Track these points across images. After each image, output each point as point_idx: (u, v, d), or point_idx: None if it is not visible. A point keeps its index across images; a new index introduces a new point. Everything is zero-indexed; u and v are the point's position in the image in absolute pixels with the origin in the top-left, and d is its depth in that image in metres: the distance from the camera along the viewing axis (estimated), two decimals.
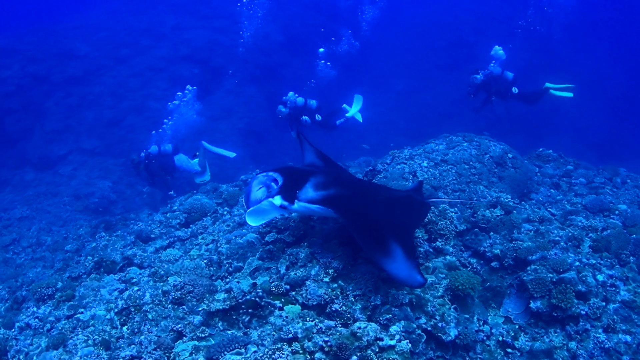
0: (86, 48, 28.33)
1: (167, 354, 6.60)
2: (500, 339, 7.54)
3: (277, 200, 7.26)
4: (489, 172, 11.22)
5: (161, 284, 8.18)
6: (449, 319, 6.94)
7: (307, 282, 7.20)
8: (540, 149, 13.71)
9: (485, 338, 7.47)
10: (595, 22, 33.05)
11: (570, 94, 16.72)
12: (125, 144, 23.66)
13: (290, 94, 16.96)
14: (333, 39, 27.06)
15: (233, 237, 9.05)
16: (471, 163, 11.31)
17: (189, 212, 10.87)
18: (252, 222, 7.30)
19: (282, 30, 30.31)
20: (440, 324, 6.83)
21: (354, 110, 18.27)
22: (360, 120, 18.48)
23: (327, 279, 7.25)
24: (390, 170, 11.33)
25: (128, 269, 9.15)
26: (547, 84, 16.65)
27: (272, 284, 7.26)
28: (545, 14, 30.11)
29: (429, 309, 7.03)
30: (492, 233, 9.22)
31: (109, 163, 22.57)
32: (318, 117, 17.07)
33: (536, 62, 28.23)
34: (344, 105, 18.44)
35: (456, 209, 9.72)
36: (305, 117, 16.91)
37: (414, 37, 32.92)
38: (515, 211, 9.62)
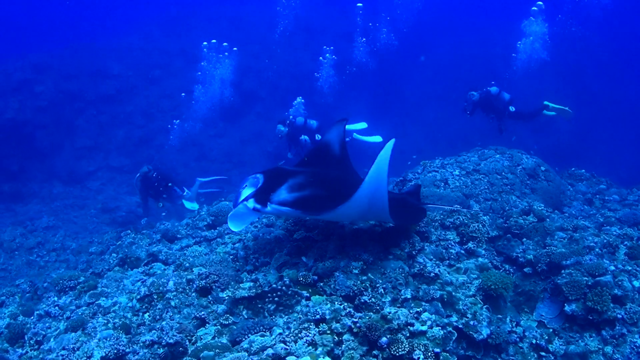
0: (119, 68, 28.56)
1: (188, 337, 6.48)
2: (534, 341, 7.29)
3: (251, 203, 7.17)
4: (522, 184, 11.06)
5: (185, 272, 8.04)
6: (481, 318, 6.74)
7: (336, 273, 7.05)
8: (573, 169, 13.59)
9: (518, 340, 7.22)
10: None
11: (568, 113, 16.52)
12: (165, 170, 23.73)
13: (293, 109, 16.73)
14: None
15: (260, 234, 8.91)
16: (503, 173, 11.16)
17: (216, 215, 10.73)
18: (233, 227, 7.34)
19: (314, 57, 30.34)
20: (472, 322, 6.62)
21: (362, 136, 17.86)
22: (379, 140, 17.94)
23: (356, 271, 7.10)
24: (421, 177, 11.22)
25: (153, 264, 9.01)
26: (546, 102, 16.51)
27: (300, 274, 7.10)
28: (579, 50, 30.11)
29: (460, 307, 6.85)
30: (524, 239, 9.04)
31: None
32: (318, 136, 16.41)
33: (568, 93, 27.97)
34: (348, 126, 17.98)
35: (487, 216, 9.54)
36: (304, 137, 16.46)
37: (446, 68, 32.81)
38: (548, 219, 9.43)
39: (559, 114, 16.56)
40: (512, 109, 16.50)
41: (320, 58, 26.33)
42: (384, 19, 30.71)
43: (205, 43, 24.79)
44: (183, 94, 25.70)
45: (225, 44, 25.39)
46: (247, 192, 7.37)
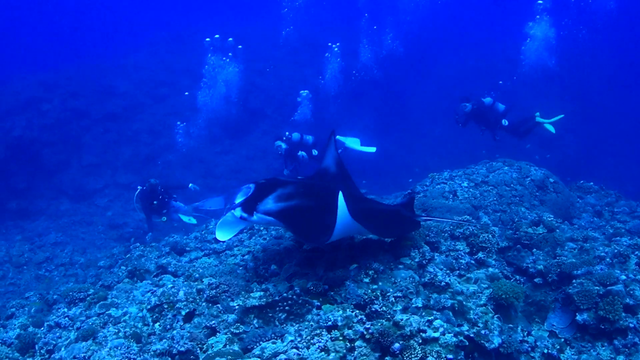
0: (126, 86, 28.61)
1: (199, 346, 6.47)
2: (546, 351, 7.23)
3: (237, 212, 7.20)
4: (531, 195, 11.05)
5: (195, 283, 8.04)
6: (492, 327, 6.70)
7: (347, 282, 7.03)
8: (581, 181, 13.53)
9: (529, 349, 7.16)
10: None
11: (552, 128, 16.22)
12: (162, 180, 23.73)
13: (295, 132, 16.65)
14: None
15: (270, 245, 8.90)
16: (512, 185, 11.16)
17: None
18: (220, 236, 7.40)
19: (319, 74, 30.40)
20: (483, 332, 6.58)
21: (351, 143, 17.73)
22: (373, 150, 17.82)
23: (367, 280, 7.09)
24: (430, 189, 11.22)
25: (162, 276, 9.00)
26: (538, 118, 16.13)
27: (310, 283, 7.09)
28: (588, 65, 30.10)
29: (472, 316, 6.82)
30: (535, 250, 9.02)
31: None
32: (315, 152, 16.52)
33: (576, 109, 27.98)
34: (338, 136, 17.81)
35: (497, 227, 9.53)
36: (301, 153, 16.41)
37: (451, 81, 32.84)
38: (558, 230, 9.42)
39: (553, 123, 16.21)
40: (504, 122, 15.96)
41: (320, 78, 26.44)
42: (387, 33, 30.91)
43: (207, 39, 24.85)
44: (187, 93, 25.75)
45: (230, 39, 25.48)
46: (238, 201, 7.42)
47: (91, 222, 20.21)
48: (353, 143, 17.38)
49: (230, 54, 25.47)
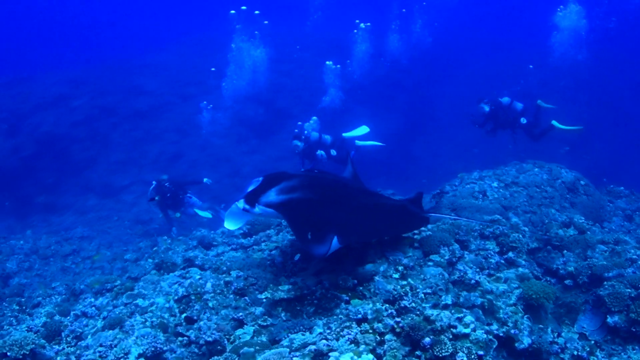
0: (154, 84, 28.77)
1: (227, 337, 6.46)
2: (576, 353, 7.13)
3: (240, 203, 7.27)
4: (561, 197, 10.96)
5: (223, 275, 8.01)
6: (522, 327, 6.63)
7: (376, 278, 6.97)
8: (611, 186, 13.37)
9: (559, 351, 7.07)
10: None
11: (579, 131, 15.89)
12: (176, 176, 23.77)
13: (309, 123, 16.46)
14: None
15: (297, 240, 8.85)
16: (542, 187, 11.06)
17: (253, 224, 10.68)
18: (228, 225, 7.60)
19: (346, 77, 30.39)
20: (513, 331, 6.51)
21: (354, 133, 17.43)
22: (380, 143, 17.58)
23: (396, 276, 7.03)
24: (459, 189, 11.15)
25: (189, 269, 8.98)
26: (554, 123, 15.88)
27: (339, 278, 7.03)
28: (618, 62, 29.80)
29: (501, 315, 6.75)
30: (565, 251, 8.92)
31: None
32: (333, 152, 16.24)
33: (604, 114, 27.74)
34: (347, 134, 17.55)
35: (527, 227, 9.44)
36: (320, 152, 16.10)
37: (477, 86, 32.72)
38: (589, 232, 9.31)
39: (569, 133, 15.99)
40: (523, 121, 15.82)
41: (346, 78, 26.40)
42: (413, 36, 30.89)
43: (232, 11, 24.86)
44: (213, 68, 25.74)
45: (256, 12, 25.53)
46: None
47: (118, 217, 20.27)
48: (363, 136, 17.16)
49: (257, 32, 25.50)
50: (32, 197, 22.11)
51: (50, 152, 23.60)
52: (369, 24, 26.39)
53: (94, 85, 27.31)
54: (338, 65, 21.90)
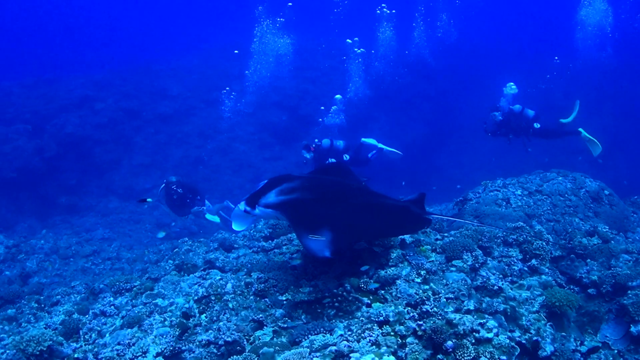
0: (179, 89, 28.86)
1: (246, 337, 6.43)
2: None
3: (242, 205, 7.41)
4: (585, 206, 10.85)
5: (244, 276, 7.99)
6: (545, 334, 6.57)
7: (398, 282, 6.92)
8: (635, 197, 13.24)
9: (582, 359, 7.02)
10: None
11: (597, 148, 15.70)
12: (210, 183, 23.82)
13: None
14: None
15: None
16: (566, 195, 10.97)
17: (274, 227, 10.66)
18: (235, 227, 7.83)
19: (371, 86, 30.36)
20: (535, 338, 6.45)
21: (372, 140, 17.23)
22: (400, 152, 17.40)
23: (418, 280, 6.98)
24: (483, 196, 11.10)
25: (209, 270, 8.96)
26: (580, 130, 15.68)
27: (361, 281, 6.99)
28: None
29: (524, 322, 6.70)
30: (589, 260, 8.84)
31: None
32: (346, 157, 15.97)
33: (627, 126, 27.54)
34: (363, 139, 17.33)
35: (551, 236, 9.37)
36: (332, 160, 15.75)
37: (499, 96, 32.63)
38: (613, 241, 9.23)
39: (588, 144, 15.85)
40: (536, 125, 15.62)
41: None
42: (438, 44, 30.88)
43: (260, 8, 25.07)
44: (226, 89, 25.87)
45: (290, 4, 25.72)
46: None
47: (139, 220, 20.34)
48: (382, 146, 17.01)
49: (281, 18, 25.65)
50: (55, 198, 22.17)
51: (73, 153, 23.68)
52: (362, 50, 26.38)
53: (119, 88, 27.41)
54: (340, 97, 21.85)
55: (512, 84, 16.29)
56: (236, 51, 26.84)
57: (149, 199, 14.13)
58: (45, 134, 23.81)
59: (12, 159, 22.25)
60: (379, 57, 28.34)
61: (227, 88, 25.50)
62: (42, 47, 54.45)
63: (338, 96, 22.32)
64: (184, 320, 7.12)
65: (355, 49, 26.25)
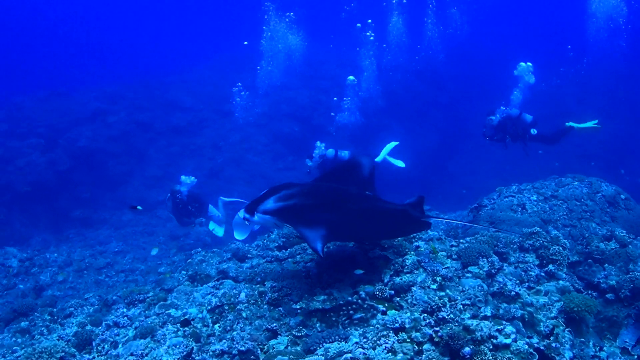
0: (191, 101, 28.94)
1: (260, 346, 6.37)
2: None
3: (241, 213, 7.45)
4: (601, 211, 10.75)
5: (257, 285, 7.94)
6: (564, 340, 6.47)
7: (413, 288, 6.85)
8: None
9: None
10: None
11: (597, 126, 15.54)
12: (224, 194, 23.76)
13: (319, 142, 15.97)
14: None
15: (334, 252, 8.75)
16: (583, 200, 10.87)
17: (288, 237, 10.58)
18: (237, 236, 8.12)
19: (383, 95, 30.33)
20: (554, 344, 6.36)
21: (383, 154, 16.99)
22: (402, 165, 17.17)
23: (434, 286, 6.90)
24: (497, 202, 11.02)
25: (223, 280, 8.91)
26: (571, 124, 15.58)
27: (376, 288, 6.92)
28: None
29: (542, 328, 6.60)
30: (606, 265, 8.71)
31: None
32: None
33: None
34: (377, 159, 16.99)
35: (567, 241, 9.27)
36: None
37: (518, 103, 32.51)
38: (631, 245, 9.11)
39: (588, 132, 15.74)
40: (533, 131, 15.37)
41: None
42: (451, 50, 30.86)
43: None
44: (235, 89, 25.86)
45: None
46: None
47: (152, 232, 20.29)
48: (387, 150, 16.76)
49: (291, 13, 25.71)
50: (68, 212, 22.22)
51: (86, 166, 23.78)
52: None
53: (131, 100, 27.55)
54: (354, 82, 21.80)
55: (526, 64, 16.15)
56: (245, 42, 26.70)
57: (139, 207, 14.14)
58: (59, 148, 23.90)
59: (26, 173, 22.35)
60: (391, 63, 28.38)
61: (238, 99, 25.47)
62: (55, 61, 54.75)
63: (351, 77, 22.28)
64: (197, 331, 7.07)
65: (368, 35, 26.22)
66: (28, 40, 60.31)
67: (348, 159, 14.94)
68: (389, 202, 7.96)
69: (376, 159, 16.12)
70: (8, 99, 28.02)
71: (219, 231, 16.73)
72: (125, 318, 8.28)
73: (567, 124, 15.41)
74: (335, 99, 23.95)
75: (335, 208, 7.41)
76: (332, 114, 23.59)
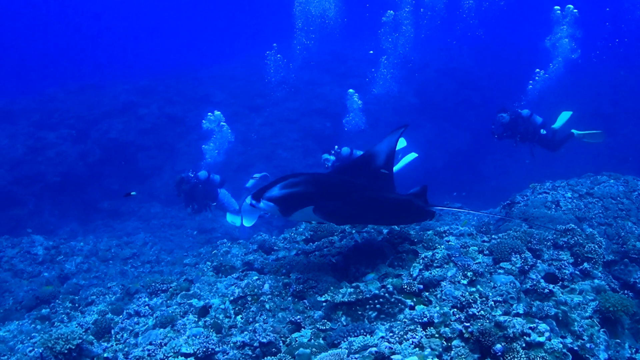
0: (222, 95, 28.91)
1: (282, 339, 6.20)
2: None
3: (248, 199, 7.46)
4: (638, 210, 10.44)
5: (282, 277, 7.77)
6: (598, 341, 6.21)
7: (443, 283, 6.64)
8: None
9: None
10: None
11: (598, 131, 15.37)
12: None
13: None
14: None
15: (362, 246, 8.55)
16: (619, 198, 10.57)
17: (316, 230, 10.39)
18: (246, 223, 8.12)
19: (416, 94, 30.12)
20: (588, 345, 6.10)
21: (401, 164, 16.74)
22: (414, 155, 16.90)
23: (464, 282, 6.69)
24: (531, 199, 10.77)
25: (248, 272, 8.74)
26: (574, 131, 15.48)
27: (404, 282, 6.70)
28: None
29: (576, 328, 6.33)
30: None
31: None
32: None
33: None
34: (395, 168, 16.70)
35: (603, 239, 8.99)
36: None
37: (547, 104, 32.15)
38: None
39: (591, 139, 15.47)
40: (543, 132, 15.32)
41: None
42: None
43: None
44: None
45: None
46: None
47: (180, 225, 20.26)
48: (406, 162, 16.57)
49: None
50: (97, 203, 22.29)
51: (116, 158, 23.84)
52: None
53: (162, 94, 27.56)
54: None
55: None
56: (275, 44, 26.66)
57: (132, 192, 14.02)
58: (89, 139, 23.99)
59: (56, 164, 22.44)
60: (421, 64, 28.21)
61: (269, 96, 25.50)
62: (88, 55, 55.22)
63: (351, 91, 22.26)
64: (219, 322, 6.92)
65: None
66: (62, 34, 60.94)
67: (364, 152, 14.85)
68: (394, 193, 7.92)
69: (394, 169, 15.94)
70: (41, 91, 28.16)
71: (236, 220, 16.54)
72: (147, 307, 8.17)
73: (571, 130, 15.28)
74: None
75: (339, 196, 7.48)
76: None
